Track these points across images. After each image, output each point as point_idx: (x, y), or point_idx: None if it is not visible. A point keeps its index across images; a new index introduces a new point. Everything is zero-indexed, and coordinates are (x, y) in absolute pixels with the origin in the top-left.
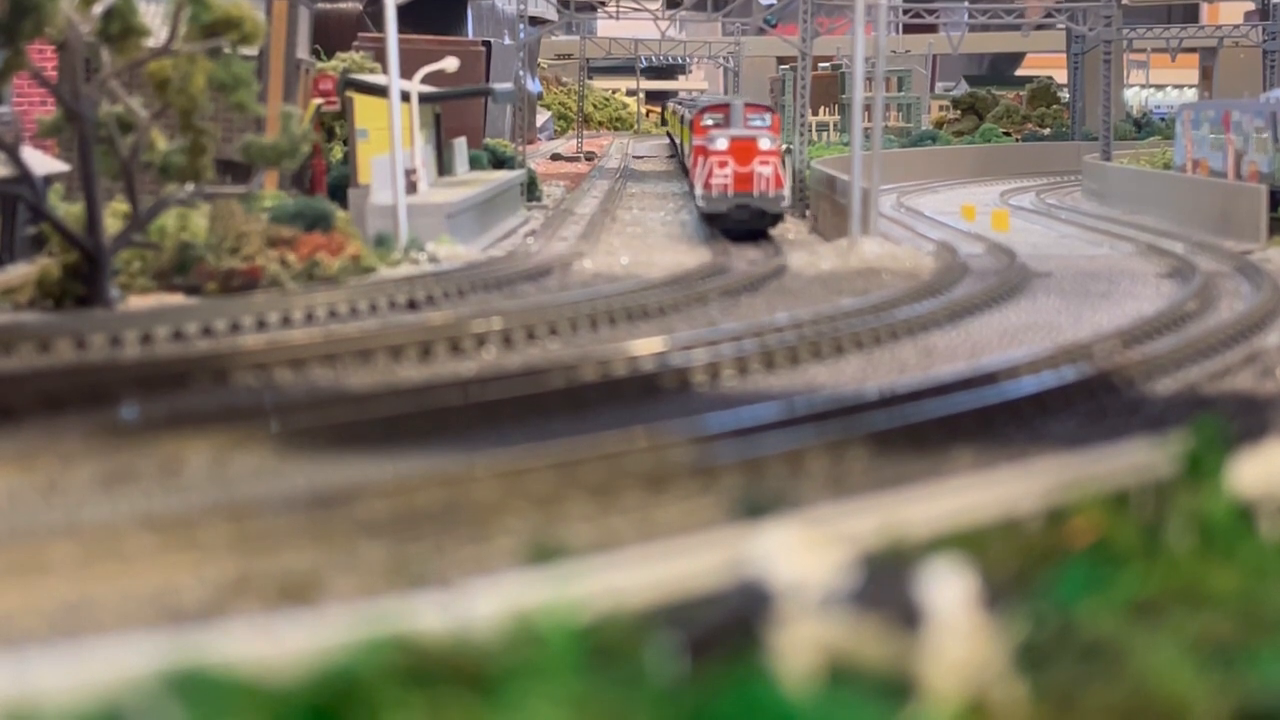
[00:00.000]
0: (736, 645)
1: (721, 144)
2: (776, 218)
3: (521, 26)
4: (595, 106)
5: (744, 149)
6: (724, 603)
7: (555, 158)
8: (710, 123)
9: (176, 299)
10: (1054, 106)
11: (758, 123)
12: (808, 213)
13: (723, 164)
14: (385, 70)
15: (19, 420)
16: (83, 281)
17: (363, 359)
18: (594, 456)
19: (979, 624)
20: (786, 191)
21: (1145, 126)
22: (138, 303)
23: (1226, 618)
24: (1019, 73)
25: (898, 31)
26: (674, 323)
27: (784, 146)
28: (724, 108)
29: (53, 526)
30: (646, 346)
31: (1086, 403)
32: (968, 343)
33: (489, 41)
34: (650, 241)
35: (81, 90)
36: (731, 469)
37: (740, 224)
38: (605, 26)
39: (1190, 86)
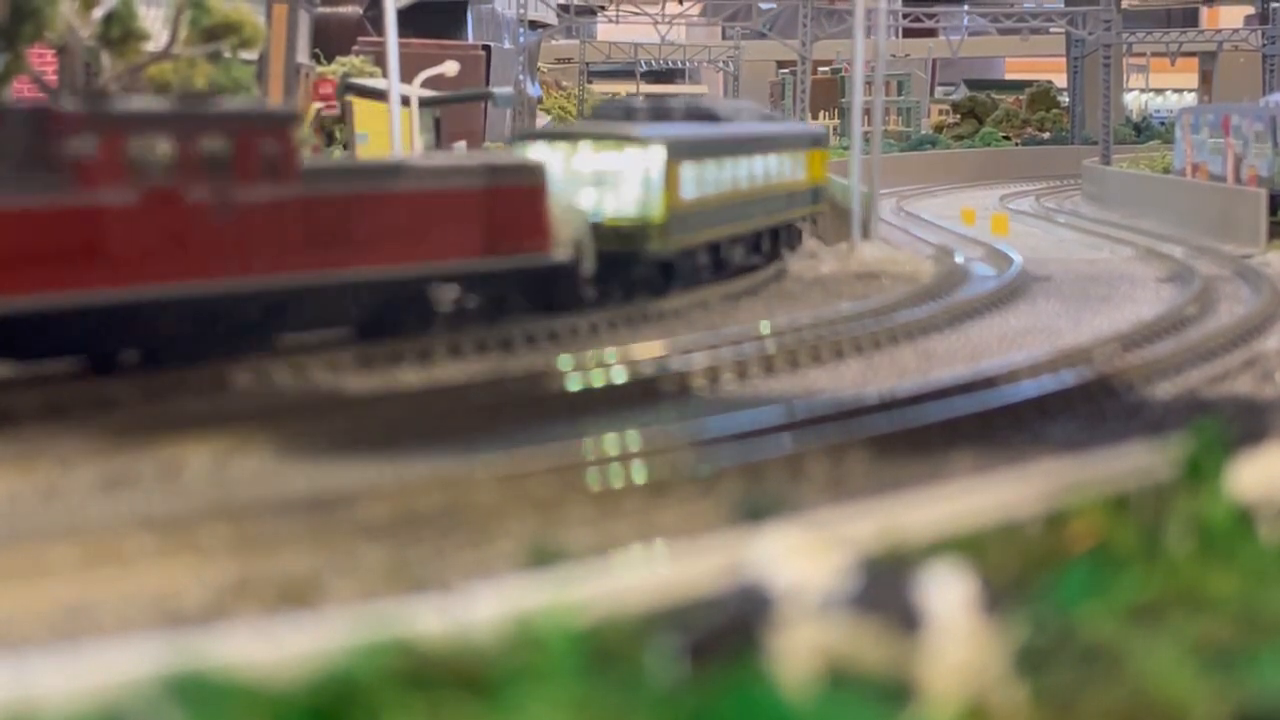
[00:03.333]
0: (736, 649)
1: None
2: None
3: (521, 31)
4: None
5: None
6: (724, 606)
7: None
8: None
9: None
10: (1053, 110)
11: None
12: None
13: None
14: (385, 74)
15: (19, 423)
16: None
17: (362, 362)
18: (594, 460)
19: (979, 627)
20: None
21: (1145, 130)
22: None
23: (1226, 621)
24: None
25: (897, 35)
26: (674, 326)
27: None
28: None
29: (53, 529)
30: (647, 350)
31: (1086, 406)
32: (967, 346)
33: (489, 45)
34: None
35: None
36: (732, 473)
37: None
38: (605, 30)
39: (1190, 90)
